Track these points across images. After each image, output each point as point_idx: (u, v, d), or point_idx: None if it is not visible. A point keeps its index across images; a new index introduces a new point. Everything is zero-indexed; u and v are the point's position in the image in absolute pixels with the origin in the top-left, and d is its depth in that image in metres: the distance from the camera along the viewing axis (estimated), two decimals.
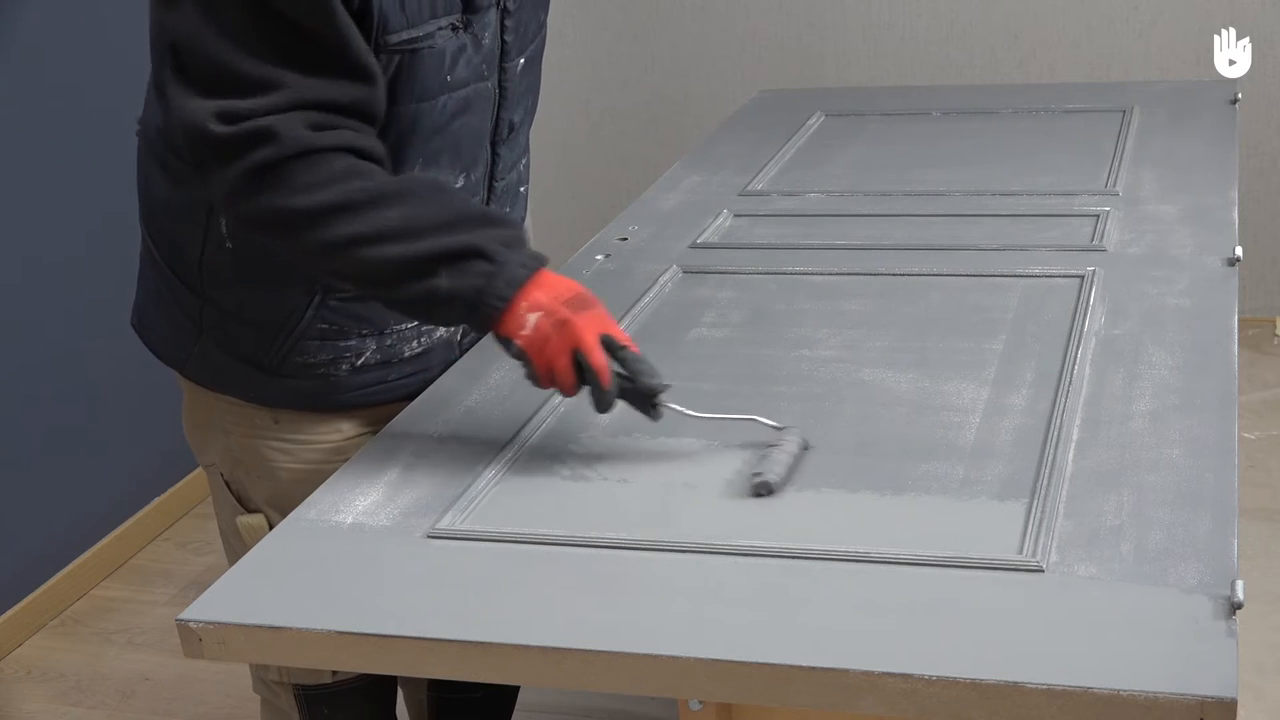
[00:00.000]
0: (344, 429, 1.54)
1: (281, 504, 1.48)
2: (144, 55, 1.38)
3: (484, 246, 1.28)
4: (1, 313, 2.60)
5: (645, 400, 1.30)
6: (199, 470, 3.07)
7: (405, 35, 1.34)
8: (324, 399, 1.52)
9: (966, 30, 3.44)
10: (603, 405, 1.29)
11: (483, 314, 1.28)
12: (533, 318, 1.27)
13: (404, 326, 1.53)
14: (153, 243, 1.52)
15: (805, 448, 1.30)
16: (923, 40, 3.47)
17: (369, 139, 1.33)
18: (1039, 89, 2.78)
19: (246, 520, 1.55)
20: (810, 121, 2.38)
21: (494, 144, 1.52)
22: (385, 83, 1.35)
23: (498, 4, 1.44)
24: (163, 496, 3.02)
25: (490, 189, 1.54)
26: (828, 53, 3.53)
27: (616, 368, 1.29)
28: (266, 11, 1.25)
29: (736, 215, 1.96)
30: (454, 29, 1.39)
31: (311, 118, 1.28)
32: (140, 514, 2.96)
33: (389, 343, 1.52)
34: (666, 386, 1.30)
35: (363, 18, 1.31)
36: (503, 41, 1.47)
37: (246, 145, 1.26)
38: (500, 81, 1.49)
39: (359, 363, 1.51)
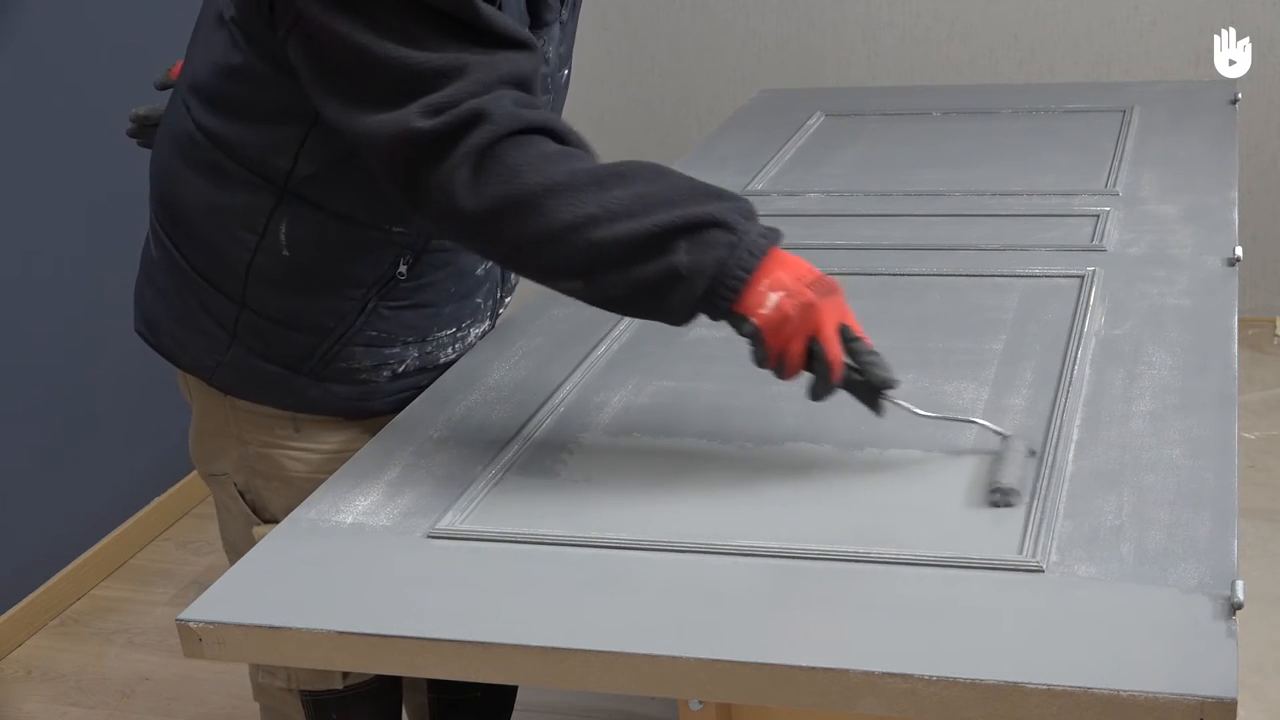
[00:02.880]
0: (362, 435, 1.53)
1: None
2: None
3: (721, 217, 1.21)
4: (1, 312, 2.60)
5: (872, 394, 1.25)
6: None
7: None
8: (361, 405, 1.52)
9: (966, 30, 3.44)
10: (822, 395, 1.24)
11: (726, 288, 1.20)
12: (774, 297, 1.20)
13: (443, 333, 1.53)
14: (177, 250, 1.48)
15: (1031, 453, 1.26)
16: (923, 40, 3.47)
17: (562, 120, 1.29)
18: (1039, 89, 2.78)
19: (263, 530, 1.54)
20: (810, 121, 2.38)
21: None
22: None
23: (559, 20, 1.45)
24: (163, 496, 3.02)
25: None
26: (828, 53, 3.53)
27: (846, 359, 1.24)
28: (423, 6, 1.22)
29: None
30: None
31: (514, 96, 1.24)
32: (140, 514, 2.96)
33: (429, 349, 1.53)
34: (896, 383, 1.24)
35: None
36: (558, 55, 1.48)
37: (461, 130, 1.21)
38: (554, 93, 1.50)
39: (400, 369, 1.51)
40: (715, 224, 1.21)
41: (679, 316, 1.24)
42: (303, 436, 1.52)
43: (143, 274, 1.57)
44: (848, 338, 1.23)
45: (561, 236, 1.21)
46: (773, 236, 1.23)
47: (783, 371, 1.23)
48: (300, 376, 1.48)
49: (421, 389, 1.53)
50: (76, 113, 2.71)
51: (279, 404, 1.51)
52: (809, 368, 1.23)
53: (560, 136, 1.27)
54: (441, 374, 1.55)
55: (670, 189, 1.24)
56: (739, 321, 1.22)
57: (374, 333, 1.48)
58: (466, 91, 1.22)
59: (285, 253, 1.42)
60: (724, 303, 1.21)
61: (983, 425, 1.29)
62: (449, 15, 1.23)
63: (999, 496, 1.19)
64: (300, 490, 1.49)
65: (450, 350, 1.56)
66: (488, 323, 1.61)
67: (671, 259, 1.20)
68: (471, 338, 1.58)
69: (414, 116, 1.21)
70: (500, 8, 1.30)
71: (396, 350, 1.50)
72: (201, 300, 1.48)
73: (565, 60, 1.52)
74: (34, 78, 2.62)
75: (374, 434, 1.52)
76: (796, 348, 1.21)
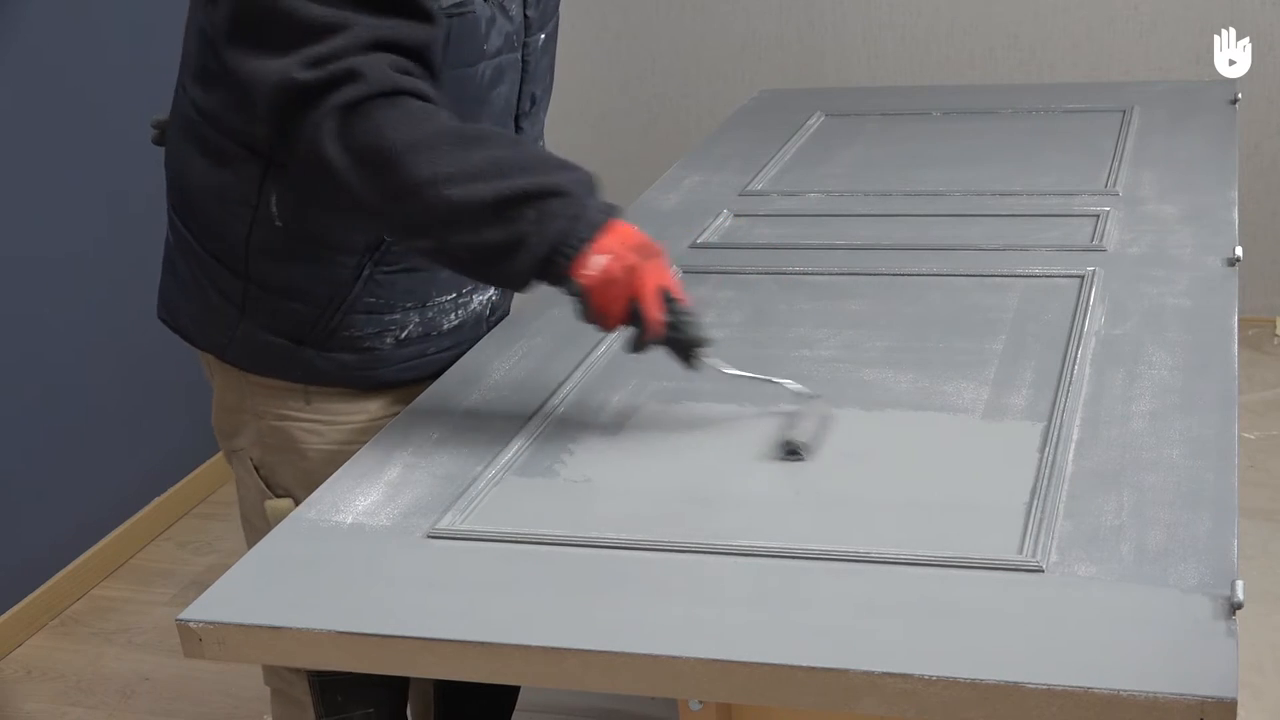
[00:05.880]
0: (371, 409, 1.57)
1: (311, 484, 1.49)
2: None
3: (567, 188, 1.29)
4: (1, 312, 2.60)
5: (685, 350, 1.34)
6: (199, 470, 3.08)
7: (454, 0, 1.39)
8: (368, 373, 1.55)
9: (966, 30, 3.44)
10: (639, 349, 1.33)
11: (563, 255, 1.28)
12: (601, 260, 1.28)
13: (443, 299, 1.57)
14: (186, 230, 1.53)
15: (829, 416, 1.35)
16: (923, 40, 3.47)
17: (437, 93, 1.35)
18: (1039, 89, 2.77)
19: (274, 504, 1.57)
20: (810, 121, 2.38)
21: (518, 117, 1.56)
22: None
23: None
24: (163, 496, 3.02)
25: None
26: (828, 53, 3.53)
27: (664, 317, 1.31)
28: None
29: (736, 215, 1.96)
30: None
31: (391, 60, 1.30)
32: (140, 514, 2.96)
33: (430, 315, 1.57)
34: (707, 341, 1.34)
35: None
36: (525, 16, 1.51)
37: (334, 85, 1.28)
38: (524, 55, 1.53)
39: (402, 335, 1.55)
40: (561, 194, 1.29)
41: (518, 281, 1.32)
42: (313, 409, 1.56)
43: (164, 260, 1.62)
44: (667, 298, 1.31)
45: (418, 191, 1.28)
46: (611, 211, 1.31)
47: (604, 327, 1.33)
48: (305, 348, 1.52)
49: (425, 357, 1.57)
50: (76, 112, 2.70)
51: (289, 376, 1.55)
52: (631, 323, 1.31)
53: (429, 101, 1.33)
54: (445, 340, 1.58)
55: (523, 156, 1.33)
56: (568, 283, 1.30)
57: (372, 299, 1.51)
58: (346, 48, 1.28)
59: (278, 223, 1.46)
60: (558, 270, 1.29)
61: (778, 384, 1.38)
62: None
63: (791, 452, 1.29)
64: (310, 462, 1.54)
65: (453, 316, 1.59)
66: (492, 289, 1.64)
67: (518, 226, 1.28)
68: (475, 304, 1.61)
69: (295, 67, 1.28)
70: None
71: (397, 316, 1.54)
72: (212, 279, 1.52)
73: (541, 24, 1.55)
74: (34, 77, 2.62)
75: (384, 405, 1.55)
76: (619, 308, 1.30)
